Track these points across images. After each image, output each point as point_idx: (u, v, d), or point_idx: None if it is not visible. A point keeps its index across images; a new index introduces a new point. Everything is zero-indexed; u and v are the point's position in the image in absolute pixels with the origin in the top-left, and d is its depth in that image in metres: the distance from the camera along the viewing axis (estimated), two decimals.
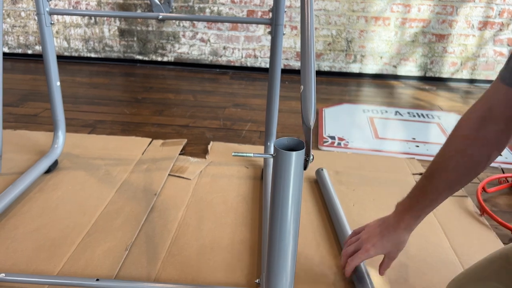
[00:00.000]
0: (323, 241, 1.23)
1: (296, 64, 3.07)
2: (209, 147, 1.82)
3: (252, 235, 1.25)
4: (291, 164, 0.55)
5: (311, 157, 0.55)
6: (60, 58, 3.12)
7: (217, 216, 1.34)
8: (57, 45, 3.13)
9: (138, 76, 2.90)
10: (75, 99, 2.37)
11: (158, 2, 1.49)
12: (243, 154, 0.55)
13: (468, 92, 2.85)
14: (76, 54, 3.16)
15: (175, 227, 1.27)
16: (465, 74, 3.01)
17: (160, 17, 1.43)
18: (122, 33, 3.06)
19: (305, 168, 0.56)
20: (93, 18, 3.04)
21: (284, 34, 1.50)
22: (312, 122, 0.58)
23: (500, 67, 2.52)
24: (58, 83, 1.58)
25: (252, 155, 0.54)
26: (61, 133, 1.63)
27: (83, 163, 1.63)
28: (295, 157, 0.55)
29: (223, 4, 2.92)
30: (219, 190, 1.49)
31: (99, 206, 1.36)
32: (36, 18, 3.14)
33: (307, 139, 0.56)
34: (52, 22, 1.51)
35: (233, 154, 0.55)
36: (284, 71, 2.95)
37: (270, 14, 1.48)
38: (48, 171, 1.54)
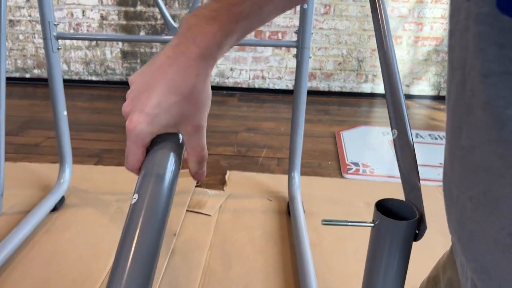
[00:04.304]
0: None
1: (311, 84, 2.97)
2: (226, 177, 1.69)
3: (287, 285, 1.12)
4: (399, 236, 0.43)
5: (425, 226, 0.43)
6: None
7: (245, 260, 1.20)
8: None
9: None
10: (78, 126, 2.25)
11: (175, 25, 1.38)
12: (335, 223, 0.42)
13: None
14: (76, 78, 3.05)
15: (200, 274, 1.14)
16: None
17: None
18: (124, 55, 2.96)
19: (415, 239, 0.44)
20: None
21: (310, 57, 1.40)
22: (418, 177, 0.46)
23: None
24: (65, 113, 1.46)
25: (345, 223, 0.42)
26: (68, 167, 1.50)
27: (92, 199, 1.49)
28: (406, 228, 0.43)
29: None
30: (243, 227, 1.36)
31: (113, 250, 1.22)
32: (34, 41, 3.04)
33: (416, 203, 0.45)
34: (59, 47, 1.39)
35: (322, 223, 0.42)
36: None
37: (296, 36, 1.38)
38: (55, 209, 1.40)
